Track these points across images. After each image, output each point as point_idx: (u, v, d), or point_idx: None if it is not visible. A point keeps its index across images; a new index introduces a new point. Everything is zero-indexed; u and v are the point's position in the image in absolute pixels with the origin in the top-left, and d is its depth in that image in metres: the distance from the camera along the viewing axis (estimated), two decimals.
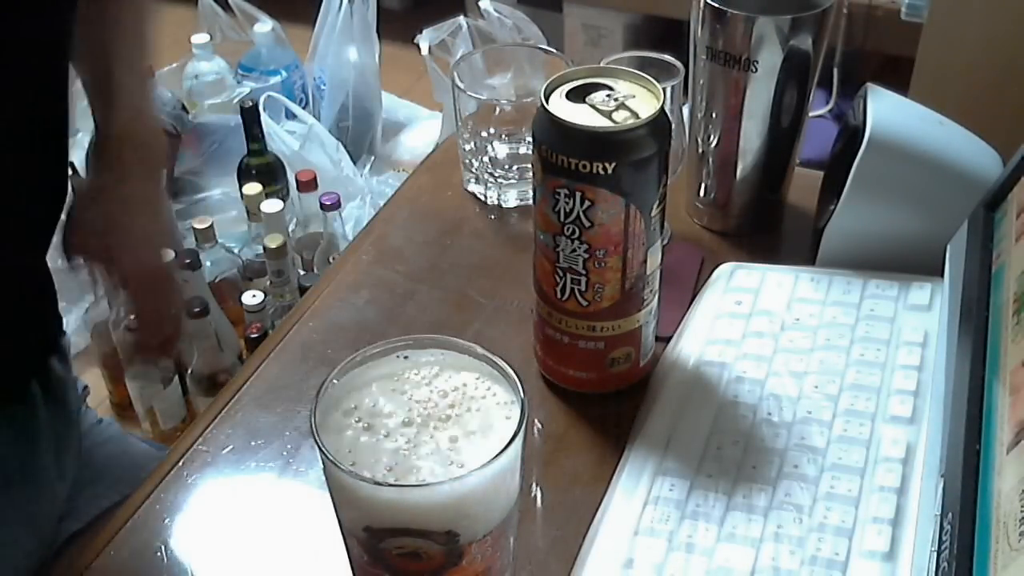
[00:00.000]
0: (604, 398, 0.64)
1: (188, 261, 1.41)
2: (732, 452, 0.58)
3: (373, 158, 1.98)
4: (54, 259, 0.75)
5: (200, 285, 1.45)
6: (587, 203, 0.55)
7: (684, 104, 0.74)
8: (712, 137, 0.73)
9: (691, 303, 0.70)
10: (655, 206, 0.57)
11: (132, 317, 0.77)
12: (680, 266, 0.73)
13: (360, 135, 1.97)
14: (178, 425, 1.51)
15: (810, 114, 0.73)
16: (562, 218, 0.56)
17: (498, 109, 0.78)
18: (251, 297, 1.47)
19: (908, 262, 0.68)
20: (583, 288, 0.59)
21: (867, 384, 0.61)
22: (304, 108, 1.94)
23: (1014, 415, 0.47)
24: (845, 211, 0.67)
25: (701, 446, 0.59)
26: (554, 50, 0.83)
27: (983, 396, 0.51)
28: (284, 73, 1.99)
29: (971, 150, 0.70)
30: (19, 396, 0.76)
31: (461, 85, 0.77)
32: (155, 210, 0.77)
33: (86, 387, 0.91)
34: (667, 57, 0.71)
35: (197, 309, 1.37)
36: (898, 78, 1.38)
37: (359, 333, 0.70)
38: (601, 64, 0.60)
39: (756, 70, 0.68)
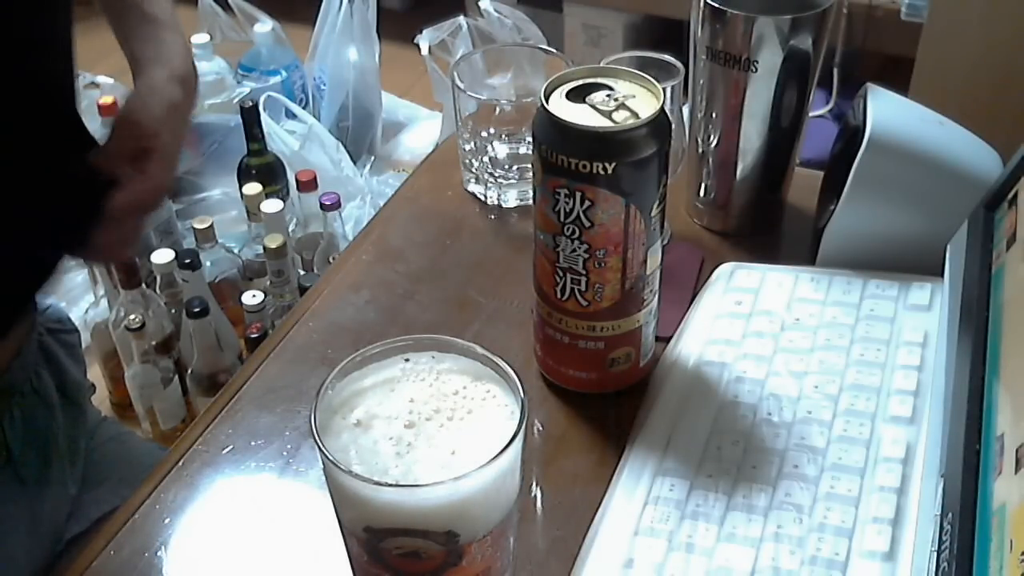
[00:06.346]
0: (604, 398, 0.64)
1: (188, 261, 1.41)
2: (732, 452, 0.58)
3: (373, 158, 1.98)
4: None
5: (200, 285, 1.45)
6: (587, 203, 0.55)
7: (684, 104, 0.74)
8: (712, 137, 0.73)
9: (691, 303, 0.70)
10: (655, 206, 0.57)
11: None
12: (680, 266, 0.73)
13: (360, 135, 1.97)
14: (178, 425, 1.51)
15: (810, 114, 0.73)
16: (562, 218, 0.56)
17: (498, 109, 0.78)
18: (251, 297, 1.47)
19: (908, 262, 0.68)
20: (583, 288, 0.59)
21: (867, 384, 0.61)
22: (304, 108, 1.94)
23: None
24: (845, 211, 0.67)
25: (701, 446, 0.59)
26: (554, 50, 0.83)
27: (983, 396, 0.51)
28: (284, 73, 1.99)
29: (971, 150, 0.70)
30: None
31: (461, 85, 0.77)
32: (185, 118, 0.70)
33: (92, 385, 0.91)
34: (667, 57, 0.71)
35: (197, 309, 1.37)
36: (898, 78, 1.38)
37: (359, 333, 0.70)
38: (601, 64, 0.60)
39: (756, 70, 0.68)
